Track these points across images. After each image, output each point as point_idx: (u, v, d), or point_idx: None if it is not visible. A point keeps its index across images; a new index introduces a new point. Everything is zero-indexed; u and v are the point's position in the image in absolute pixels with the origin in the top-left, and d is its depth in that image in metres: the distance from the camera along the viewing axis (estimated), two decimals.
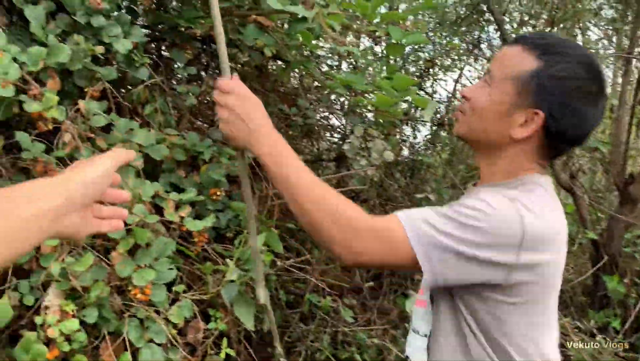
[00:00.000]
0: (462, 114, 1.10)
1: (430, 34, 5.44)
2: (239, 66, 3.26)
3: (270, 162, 1.02)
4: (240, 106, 1.04)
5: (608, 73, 5.60)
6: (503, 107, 1.03)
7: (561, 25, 5.28)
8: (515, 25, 5.53)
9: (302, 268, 2.87)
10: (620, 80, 4.78)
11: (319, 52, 3.56)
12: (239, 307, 2.01)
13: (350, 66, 4.08)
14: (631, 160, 4.00)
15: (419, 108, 3.86)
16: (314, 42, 2.31)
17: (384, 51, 4.40)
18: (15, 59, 1.53)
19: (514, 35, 5.12)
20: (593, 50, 5.55)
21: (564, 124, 1.00)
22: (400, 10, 5.08)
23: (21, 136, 1.56)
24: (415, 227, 0.96)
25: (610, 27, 5.59)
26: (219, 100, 1.06)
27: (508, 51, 1.05)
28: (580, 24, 5.52)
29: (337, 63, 4.10)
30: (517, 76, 1.01)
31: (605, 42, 5.85)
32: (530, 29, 5.48)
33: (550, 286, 1.01)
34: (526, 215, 0.94)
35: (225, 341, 1.91)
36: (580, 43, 5.66)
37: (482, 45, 5.69)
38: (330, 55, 3.82)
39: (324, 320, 2.79)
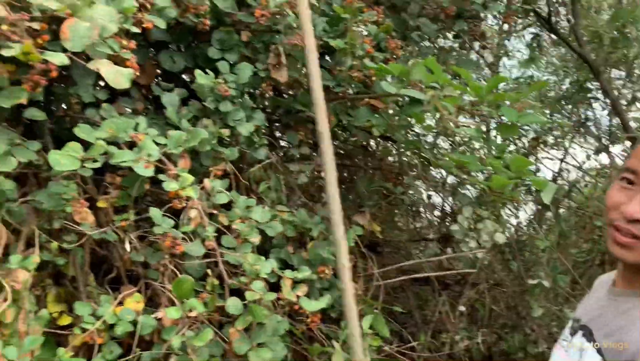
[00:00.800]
0: None
1: (530, 110, 5.33)
2: (344, 144, 3.35)
3: None
4: None
5: None
6: None
7: None
8: (625, 103, 5.30)
9: (405, 354, 2.76)
10: None
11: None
12: None
13: (450, 143, 4.06)
14: None
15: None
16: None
17: (488, 129, 4.35)
18: (154, 141, 1.66)
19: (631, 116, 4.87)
20: None
21: None
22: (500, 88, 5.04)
23: (154, 212, 1.66)
24: None
25: None
26: None
27: None
28: None
29: (433, 139, 4.10)
30: None
31: None
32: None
33: None
34: None
35: None
36: None
37: (589, 123, 5.48)
38: (429, 132, 3.84)
39: None
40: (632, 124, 5.15)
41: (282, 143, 2.80)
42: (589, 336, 1.03)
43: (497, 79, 2.02)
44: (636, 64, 5.13)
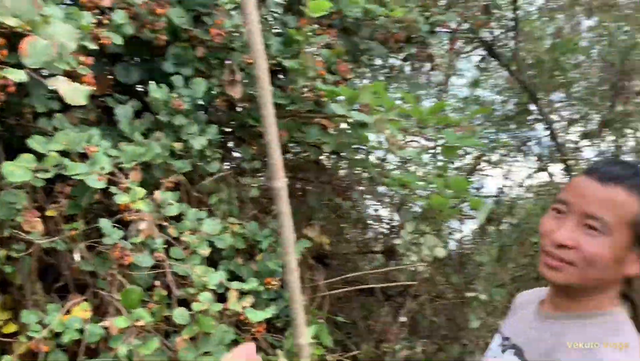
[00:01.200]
0: (570, 265, 1.06)
1: (478, 129, 5.58)
2: (296, 158, 3.44)
3: None
4: None
5: None
6: (622, 253, 1.04)
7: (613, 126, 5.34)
8: (565, 124, 5.60)
9: None
10: None
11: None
12: None
13: (398, 159, 4.22)
14: None
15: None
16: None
17: (436, 147, 4.53)
18: (106, 153, 1.70)
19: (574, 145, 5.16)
20: None
21: None
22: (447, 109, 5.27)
23: (104, 223, 1.70)
24: None
25: None
26: None
27: (613, 194, 1.04)
28: (631, 125, 5.55)
29: (384, 154, 4.25)
30: (633, 221, 1.03)
31: None
32: (579, 128, 5.55)
33: None
34: None
35: None
36: (633, 144, 5.68)
37: (530, 143, 5.76)
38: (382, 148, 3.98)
39: None
40: (570, 144, 5.48)
41: (236, 156, 2.87)
42: (520, 356, 1.14)
43: (438, 105, 2.16)
44: (575, 88, 5.46)
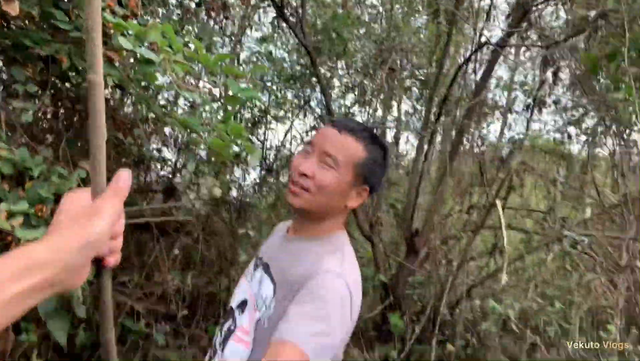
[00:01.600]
0: (306, 191, 1.33)
1: (268, 83, 5.92)
2: (77, 88, 3.31)
3: None
4: None
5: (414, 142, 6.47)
6: (346, 186, 1.34)
7: (381, 96, 6.14)
8: (343, 90, 6.24)
9: (120, 292, 2.95)
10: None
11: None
12: (53, 322, 2.07)
13: (187, 102, 4.31)
14: (418, 217, 4.76)
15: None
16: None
17: (222, 97, 4.72)
18: None
19: (336, 107, 5.77)
20: (404, 120, 6.53)
21: (376, 191, 1.40)
22: (240, 59, 5.48)
23: None
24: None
25: (417, 104, 6.55)
26: None
27: (345, 141, 1.34)
28: (396, 98, 6.45)
29: (174, 98, 4.30)
30: (356, 162, 1.34)
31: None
32: (353, 96, 6.25)
33: None
34: (352, 293, 1.22)
35: (35, 354, 1.96)
36: (395, 114, 6.62)
37: (312, 103, 6.29)
38: (168, 88, 4.01)
39: (136, 343, 2.88)
40: (344, 109, 6.14)
41: (6, 78, 2.67)
42: (266, 270, 1.42)
43: (222, 55, 2.33)
44: (354, 58, 6.08)
